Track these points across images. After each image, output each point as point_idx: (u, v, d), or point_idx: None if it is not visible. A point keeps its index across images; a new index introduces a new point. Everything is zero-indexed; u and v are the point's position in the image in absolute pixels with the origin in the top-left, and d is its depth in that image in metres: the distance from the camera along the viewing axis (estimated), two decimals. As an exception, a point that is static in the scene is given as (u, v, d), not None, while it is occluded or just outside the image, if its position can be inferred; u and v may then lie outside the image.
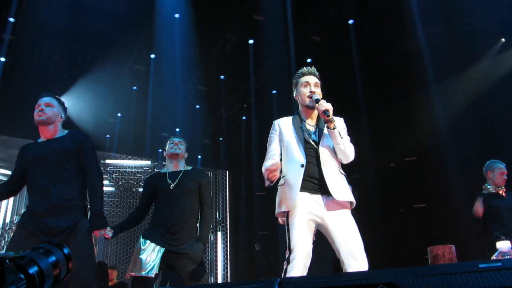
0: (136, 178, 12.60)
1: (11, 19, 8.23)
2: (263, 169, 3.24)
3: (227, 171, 13.56)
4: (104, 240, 11.64)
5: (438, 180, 8.91)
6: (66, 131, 3.61)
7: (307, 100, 3.31)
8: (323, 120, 3.21)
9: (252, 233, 12.36)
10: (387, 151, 10.12)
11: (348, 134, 3.36)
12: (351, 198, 3.17)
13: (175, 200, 4.05)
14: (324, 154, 3.23)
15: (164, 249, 3.86)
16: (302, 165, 3.16)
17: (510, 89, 7.77)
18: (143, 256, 3.83)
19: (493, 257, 2.10)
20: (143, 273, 3.75)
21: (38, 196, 3.29)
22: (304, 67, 3.44)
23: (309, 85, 3.34)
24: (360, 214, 6.27)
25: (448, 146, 8.47)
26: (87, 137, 3.59)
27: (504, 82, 8.11)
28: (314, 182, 3.15)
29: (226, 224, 13.12)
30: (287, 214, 3.09)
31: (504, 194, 5.39)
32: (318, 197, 3.12)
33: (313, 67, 3.44)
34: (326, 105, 3.15)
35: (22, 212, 3.35)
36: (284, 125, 3.36)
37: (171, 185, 4.09)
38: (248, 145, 12.08)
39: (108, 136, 11.52)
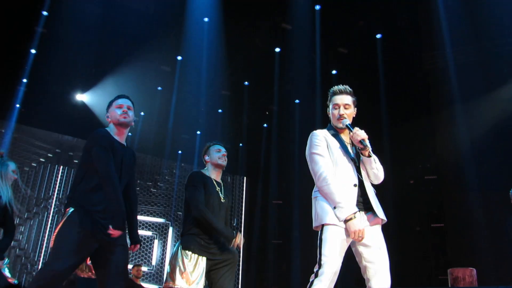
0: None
1: (45, 13, 8.39)
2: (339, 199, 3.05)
3: (244, 177, 13.55)
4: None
5: (457, 201, 8.78)
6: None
7: (338, 124, 3.27)
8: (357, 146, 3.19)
9: (266, 241, 12.32)
10: (407, 168, 10.01)
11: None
12: (384, 217, 3.17)
13: (220, 213, 4.00)
14: (364, 171, 3.21)
15: (205, 258, 3.85)
16: (355, 185, 3.13)
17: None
18: (189, 269, 3.81)
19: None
20: (193, 285, 3.75)
21: (98, 194, 3.26)
22: (338, 86, 3.37)
23: (339, 107, 3.29)
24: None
25: (469, 167, 8.34)
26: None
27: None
28: (359, 199, 3.13)
29: (241, 231, 13.10)
30: (322, 227, 3.04)
31: None
32: (361, 215, 3.09)
33: (346, 86, 3.38)
34: (361, 135, 3.10)
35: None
36: (329, 140, 3.25)
37: (222, 198, 4.06)
38: (268, 153, 12.08)
39: (130, 134, 11.63)
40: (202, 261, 3.81)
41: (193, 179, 4.09)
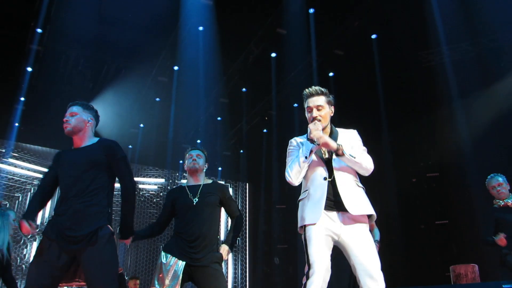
0: (149, 195, 12.66)
1: (39, 30, 8.40)
2: (295, 165, 3.20)
3: (247, 184, 13.57)
4: (124, 250, 11.71)
5: (460, 197, 8.77)
6: (96, 139, 3.58)
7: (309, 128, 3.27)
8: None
9: (271, 246, 12.32)
10: (409, 166, 10.01)
11: (370, 149, 3.34)
12: (369, 211, 3.14)
13: (196, 214, 4.03)
14: (338, 169, 3.21)
15: (185, 262, 3.86)
16: (325, 178, 3.17)
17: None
18: (165, 271, 3.85)
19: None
20: (171, 285, 3.78)
21: (62, 203, 3.32)
22: (310, 88, 3.39)
23: (311, 110, 3.32)
24: (380, 229, 6.20)
25: (471, 162, 8.33)
26: (117, 145, 3.53)
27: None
28: (330, 198, 3.13)
29: (246, 237, 13.09)
30: (304, 229, 3.09)
31: None
32: (334, 214, 3.10)
33: (318, 87, 3.39)
34: (314, 134, 3.15)
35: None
36: (303, 142, 3.31)
37: (193, 200, 4.06)
38: (269, 158, 12.09)
39: (130, 146, 11.64)
40: (181, 265, 3.84)
41: (165, 199, 4.36)
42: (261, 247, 12.58)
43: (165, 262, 3.87)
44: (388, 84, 9.14)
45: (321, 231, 3.03)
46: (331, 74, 9.69)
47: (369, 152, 3.46)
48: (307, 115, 3.34)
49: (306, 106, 3.36)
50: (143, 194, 12.45)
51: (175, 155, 11.68)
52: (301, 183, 3.29)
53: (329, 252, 3.05)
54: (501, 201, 5.28)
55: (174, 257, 3.87)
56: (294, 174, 3.20)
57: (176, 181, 12.85)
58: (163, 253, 3.92)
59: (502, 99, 8.28)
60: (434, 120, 9.31)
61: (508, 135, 8.17)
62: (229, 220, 4.32)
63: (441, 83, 8.50)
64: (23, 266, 10.01)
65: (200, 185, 4.17)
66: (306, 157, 3.17)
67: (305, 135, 3.33)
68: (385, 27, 8.56)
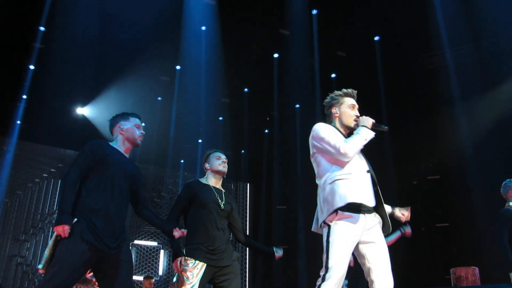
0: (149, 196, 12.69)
1: (42, 28, 8.42)
2: (359, 143, 3.11)
3: (248, 184, 13.56)
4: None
5: (461, 200, 8.77)
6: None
7: (352, 123, 3.29)
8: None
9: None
10: (410, 169, 10.01)
11: (370, 150, 3.41)
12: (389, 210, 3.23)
13: (220, 221, 3.96)
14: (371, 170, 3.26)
15: (206, 264, 3.81)
16: (368, 171, 3.17)
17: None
18: (188, 274, 3.83)
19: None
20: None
21: (103, 203, 3.24)
22: (348, 89, 3.41)
23: (355, 108, 3.34)
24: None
25: (472, 165, 8.33)
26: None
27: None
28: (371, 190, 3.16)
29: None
30: (328, 228, 2.99)
31: None
32: (360, 214, 3.05)
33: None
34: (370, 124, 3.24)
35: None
36: (335, 129, 3.28)
37: (222, 204, 4.00)
38: (270, 158, 12.09)
39: (131, 144, 11.67)
40: (203, 267, 3.83)
41: (181, 190, 4.21)
42: (261, 247, 12.57)
43: (190, 267, 3.83)
44: (390, 85, 9.15)
45: (349, 235, 2.96)
46: (333, 75, 9.71)
47: (370, 153, 3.48)
48: (349, 111, 3.32)
49: (348, 103, 3.34)
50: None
51: (176, 154, 11.67)
52: (329, 164, 3.17)
53: (349, 258, 2.98)
54: None
55: (196, 261, 3.84)
56: (355, 151, 3.08)
57: (176, 180, 12.85)
58: (185, 261, 3.87)
59: (503, 102, 8.28)
60: (436, 122, 9.31)
61: (509, 138, 8.17)
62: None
63: (443, 85, 8.51)
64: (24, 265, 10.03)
65: (222, 191, 4.12)
66: (366, 140, 3.13)
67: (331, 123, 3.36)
68: (388, 29, 8.58)
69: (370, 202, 3.04)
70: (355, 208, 2.98)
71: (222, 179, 4.22)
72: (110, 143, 3.50)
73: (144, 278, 9.16)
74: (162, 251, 11.91)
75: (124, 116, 3.59)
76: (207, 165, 4.19)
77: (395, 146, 9.44)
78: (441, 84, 8.55)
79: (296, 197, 11.33)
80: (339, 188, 3.00)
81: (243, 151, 12.51)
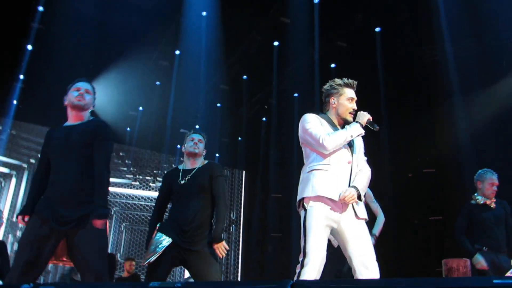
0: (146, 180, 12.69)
1: (40, 8, 8.36)
2: (341, 138, 3.17)
3: (244, 171, 13.59)
4: (117, 232, 11.77)
5: (455, 194, 8.78)
6: (90, 118, 3.55)
7: (348, 116, 3.34)
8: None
9: (265, 234, 12.37)
10: (406, 161, 10.04)
11: (367, 142, 3.48)
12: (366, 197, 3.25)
13: (186, 198, 4.00)
14: (354, 160, 3.28)
15: (171, 240, 3.83)
16: (349, 162, 3.22)
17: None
18: (152, 244, 3.87)
19: (508, 274, 2.09)
20: (149, 257, 3.78)
21: (56, 182, 3.29)
22: (349, 79, 3.44)
23: (353, 101, 3.38)
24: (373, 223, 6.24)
25: (468, 160, 8.35)
26: (107, 127, 3.50)
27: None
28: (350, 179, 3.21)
29: (240, 224, 13.14)
30: (306, 205, 3.08)
31: (493, 205, 5.15)
32: (337, 202, 3.12)
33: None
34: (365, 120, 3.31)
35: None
36: (323, 121, 3.32)
37: (181, 182, 4.04)
38: (267, 147, 12.11)
39: (128, 129, 11.64)
40: (167, 242, 3.83)
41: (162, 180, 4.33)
42: (255, 235, 12.63)
43: (156, 240, 3.86)
44: (389, 78, 9.15)
45: (323, 219, 3.03)
46: (333, 65, 9.69)
47: (367, 145, 3.50)
48: (346, 103, 3.35)
49: (347, 95, 3.36)
50: (138, 178, 12.48)
51: (173, 139, 11.67)
52: (312, 152, 3.25)
53: (326, 242, 3.06)
54: (480, 198, 5.23)
55: (165, 235, 3.86)
56: (335, 145, 3.14)
57: (173, 165, 12.87)
58: (158, 233, 3.90)
59: (502, 98, 8.29)
60: (434, 116, 9.32)
61: (507, 134, 8.20)
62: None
63: (443, 79, 8.51)
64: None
65: (195, 168, 4.13)
66: (352, 136, 3.21)
67: (326, 113, 3.41)
68: (389, 21, 8.56)
69: (335, 195, 3.08)
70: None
71: (200, 160, 4.20)
72: (65, 123, 3.53)
73: (124, 259, 9.21)
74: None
75: (68, 88, 3.60)
76: (183, 148, 4.29)
77: (392, 138, 9.47)
78: (440, 78, 8.55)
79: (291, 186, 11.36)
80: (313, 178, 3.12)
81: (240, 138, 12.52)
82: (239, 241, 12.99)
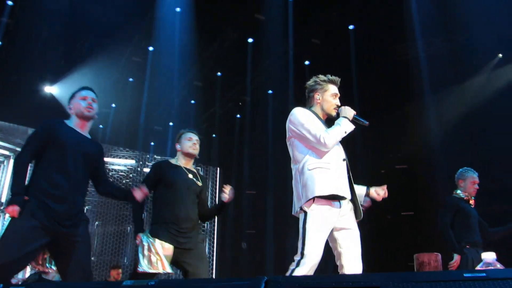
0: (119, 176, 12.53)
1: (10, 2, 8.18)
2: (338, 134, 3.18)
3: (217, 168, 13.55)
4: (92, 232, 11.62)
5: (427, 190, 8.97)
6: (89, 135, 3.61)
7: (333, 111, 3.39)
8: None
9: (239, 231, 12.37)
10: (379, 158, 10.17)
11: (342, 139, 3.47)
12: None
13: (185, 200, 3.96)
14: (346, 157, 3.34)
15: (173, 246, 3.81)
16: (344, 159, 3.25)
17: (504, 105, 7.85)
18: (153, 251, 3.77)
19: (478, 267, 2.14)
20: (155, 270, 3.70)
21: (56, 183, 3.21)
22: (333, 76, 3.50)
23: (337, 97, 3.44)
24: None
25: (439, 156, 8.53)
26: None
27: (498, 97, 8.20)
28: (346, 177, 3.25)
29: (214, 221, 13.11)
30: (304, 215, 3.04)
31: (473, 204, 5.27)
32: (336, 202, 3.13)
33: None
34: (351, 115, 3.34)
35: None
36: (315, 116, 3.35)
37: (196, 182, 4.04)
38: (241, 144, 12.10)
39: (101, 126, 11.49)
40: (169, 248, 3.80)
41: (150, 169, 4.22)
42: (229, 231, 12.63)
43: (152, 244, 3.77)
44: (362, 75, 9.23)
45: (326, 222, 3.03)
46: (307, 62, 9.75)
47: (341, 141, 3.54)
48: (331, 99, 3.41)
49: (331, 91, 3.43)
50: (112, 175, 12.33)
51: (146, 136, 11.58)
52: (307, 149, 3.23)
53: (324, 244, 3.06)
54: (461, 193, 5.32)
55: (161, 241, 3.79)
56: (334, 142, 3.17)
57: (147, 162, 12.76)
58: (148, 238, 3.81)
59: (472, 96, 8.48)
60: (406, 113, 9.46)
61: (477, 132, 8.38)
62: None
63: (415, 77, 8.63)
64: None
65: (192, 171, 4.14)
66: (346, 132, 3.22)
67: (311, 108, 3.43)
68: (363, 18, 8.63)
69: (347, 193, 3.14)
70: (333, 196, 3.07)
71: (192, 161, 4.21)
72: (66, 121, 3.47)
73: (111, 268, 9.06)
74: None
75: (72, 94, 3.59)
76: (178, 146, 4.20)
77: (365, 135, 9.56)
78: (412, 76, 8.68)
79: (266, 183, 11.40)
80: (319, 176, 3.08)
81: (214, 135, 12.49)
82: (213, 238, 12.96)
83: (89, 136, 3.55)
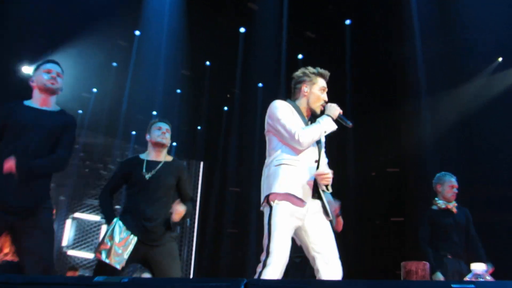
0: (105, 160, 12.48)
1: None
2: (316, 133, 3.14)
3: (201, 162, 13.53)
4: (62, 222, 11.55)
5: (418, 195, 8.98)
6: (58, 107, 3.54)
7: (318, 107, 3.34)
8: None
9: (220, 229, 12.36)
10: (369, 159, 10.18)
11: (332, 138, 3.50)
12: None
13: (150, 194, 3.94)
14: (322, 155, 3.32)
15: (137, 239, 3.77)
16: (316, 161, 3.22)
17: (501, 110, 7.92)
18: (117, 244, 3.73)
19: (467, 278, 2.15)
20: (112, 262, 3.67)
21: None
22: (322, 69, 3.45)
23: (325, 92, 3.39)
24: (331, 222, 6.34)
25: (432, 161, 8.56)
26: (75, 122, 3.58)
27: (495, 102, 8.26)
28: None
29: (195, 218, 13.09)
30: (272, 201, 3.01)
31: (454, 210, 5.24)
32: (308, 199, 3.11)
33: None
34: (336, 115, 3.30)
35: None
36: (294, 110, 3.30)
37: (146, 176, 3.96)
38: (227, 138, 12.08)
39: (80, 111, 11.37)
40: (133, 241, 3.78)
41: (117, 166, 4.17)
42: (210, 230, 12.61)
43: (119, 233, 3.75)
44: (357, 72, 9.26)
45: (290, 218, 3.00)
46: (300, 56, 9.75)
47: (331, 141, 3.54)
48: (319, 93, 3.35)
49: (320, 85, 3.38)
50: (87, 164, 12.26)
51: (127, 125, 11.50)
52: (280, 144, 3.20)
53: (291, 241, 3.02)
54: (441, 203, 5.35)
55: (128, 230, 3.77)
56: (310, 141, 3.14)
57: (125, 152, 12.69)
58: (119, 222, 3.78)
59: (468, 100, 8.53)
60: (400, 114, 9.48)
61: (471, 136, 8.43)
62: None
63: (411, 77, 8.67)
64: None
65: (161, 162, 4.07)
66: (325, 132, 3.19)
67: (295, 101, 3.38)
68: (360, 13, 8.66)
69: (307, 196, 3.08)
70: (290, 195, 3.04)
71: (165, 152, 4.17)
72: (24, 101, 3.43)
73: (68, 268, 8.96)
74: (104, 226, 11.79)
75: (36, 67, 3.55)
76: (148, 137, 4.17)
77: (356, 135, 9.58)
78: (408, 76, 8.71)
79: (251, 180, 11.38)
80: (283, 173, 3.07)
81: (199, 127, 12.46)
82: (193, 236, 12.94)
83: (53, 109, 3.48)
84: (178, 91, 11.36)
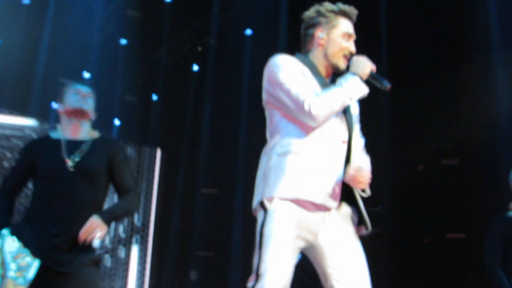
0: (10, 146, 12.55)
1: None
2: (339, 103, 3.10)
3: (158, 150, 13.59)
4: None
5: (489, 199, 8.99)
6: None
7: (342, 61, 3.33)
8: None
9: (187, 252, 12.44)
10: (415, 149, 10.17)
11: (362, 119, 3.59)
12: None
13: (69, 189, 3.96)
14: (356, 133, 3.37)
15: (39, 262, 3.78)
16: (344, 142, 3.20)
17: None
18: (11, 273, 3.75)
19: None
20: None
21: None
22: (345, 5, 3.39)
23: (351, 39, 3.36)
24: (364, 240, 6.48)
25: (508, 150, 8.55)
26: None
27: None
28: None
29: (148, 235, 13.18)
30: (264, 214, 3.01)
31: None
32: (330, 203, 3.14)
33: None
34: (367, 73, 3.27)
35: None
36: (305, 68, 3.26)
37: (70, 164, 3.99)
38: (198, 112, 12.09)
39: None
40: (34, 265, 3.78)
41: (18, 155, 4.39)
42: (171, 253, 12.70)
43: (13, 251, 3.75)
44: (395, 20, 9.30)
45: (293, 227, 2.98)
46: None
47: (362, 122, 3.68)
48: (341, 41, 3.33)
49: (342, 28, 3.34)
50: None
51: (45, 94, 11.54)
52: (286, 121, 3.19)
53: (294, 262, 3.03)
54: None
55: (25, 249, 3.78)
56: (329, 113, 3.09)
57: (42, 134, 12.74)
58: (10, 237, 3.78)
59: None
60: (459, 81, 9.44)
61: None
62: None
63: (476, 24, 8.75)
64: None
65: (83, 141, 4.12)
66: (351, 99, 3.17)
67: (307, 55, 3.41)
68: None
69: (330, 201, 3.08)
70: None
71: (87, 125, 4.22)
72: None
73: None
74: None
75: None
76: (60, 107, 4.20)
77: (395, 111, 9.60)
78: (472, 22, 8.78)
79: (234, 177, 11.41)
80: (290, 167, 3.05)
81: (155, 97, 12.49)
82: (145, 261, 13.07)
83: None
84: (123, 41, 11.41)
